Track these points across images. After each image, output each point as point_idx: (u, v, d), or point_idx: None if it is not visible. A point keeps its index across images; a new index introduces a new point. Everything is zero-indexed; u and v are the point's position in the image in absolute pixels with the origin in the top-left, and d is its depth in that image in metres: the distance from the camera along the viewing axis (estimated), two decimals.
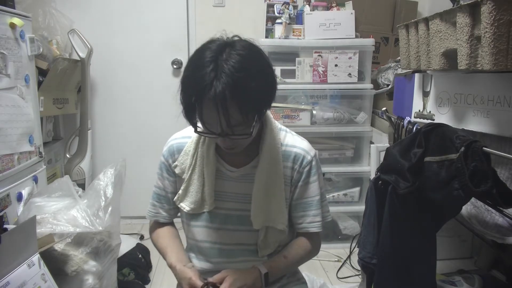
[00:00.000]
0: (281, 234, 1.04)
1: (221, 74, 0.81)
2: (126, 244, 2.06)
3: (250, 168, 1.03)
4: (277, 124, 1.07)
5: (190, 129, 0.97)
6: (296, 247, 1.08)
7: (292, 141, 1.06)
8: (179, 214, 1.14)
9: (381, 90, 2.29)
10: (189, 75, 0.86)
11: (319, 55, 2.31)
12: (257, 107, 0.88)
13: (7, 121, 1.61)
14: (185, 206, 1.05)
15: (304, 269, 1.20)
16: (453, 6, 1.22)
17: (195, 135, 1.04)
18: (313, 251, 1.10)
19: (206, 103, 0.83)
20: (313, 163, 1.05)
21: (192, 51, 0.99)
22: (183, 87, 0.88)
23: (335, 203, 2.44)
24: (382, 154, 1.45)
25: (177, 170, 1.06)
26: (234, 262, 1.06)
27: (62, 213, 1.50)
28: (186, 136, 1.07)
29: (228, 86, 0.81)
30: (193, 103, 0.85)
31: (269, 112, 1.05)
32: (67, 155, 2.48)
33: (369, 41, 2.32)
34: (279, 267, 1.04)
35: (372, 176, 1.47)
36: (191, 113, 0.88)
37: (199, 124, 0.90)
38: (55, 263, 1.38)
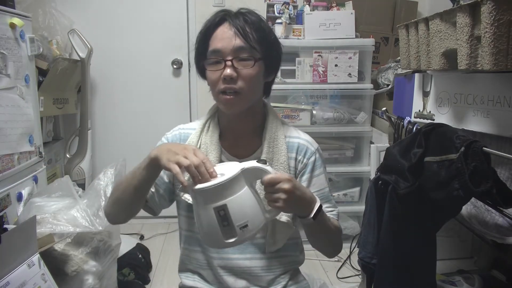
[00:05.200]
0: (288, 229, 1.02)
1: (233, 14, 0.97)
2: (126, 244, 2.06)
3: (253, 159, 1.02)
4: (280, 118, 1.09)
5: (195, 122, 1.08)
6: (331, 218, 1.03)
7: (296, 133, 1.08)
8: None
9: (381, 90, 2.29)
10: (203, 25, 0.99)
11: (319, 55, 2.31)
12: (265, 43, 0.97)
13: (7, 121, 1.61)
14: (189, 198, 1.02)
15: (304, 269, 1.19)
16: (453, 6, 1.22)
17: (198, 127, 1.05)
18: (340, 232, 1.05)
19: (221, 27, 0.95)
20: (317, 155, 1.05)
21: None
22: (198, 35, 1.00)
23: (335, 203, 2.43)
24: (382, 154, 1.45)
25: None
26: (244, 259, 1.04)
27: (62, 213, 1.50)
28: (192, 127, 1.07)
29: (244, 17, 0.96)
30: (208, 34, 0.96)
31: (271, 106, 1.09)
32: (67, 155, 2.48)
33: (369, 41, 2.32)
34: (323, 216, 0.95)
35: (372, 176, 1.47)
36: (203, 50, 0.97)
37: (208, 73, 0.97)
38: (55, 263, 1.38)
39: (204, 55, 0.98)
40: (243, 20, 0.95)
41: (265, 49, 0.97)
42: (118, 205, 1.00)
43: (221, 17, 0.96)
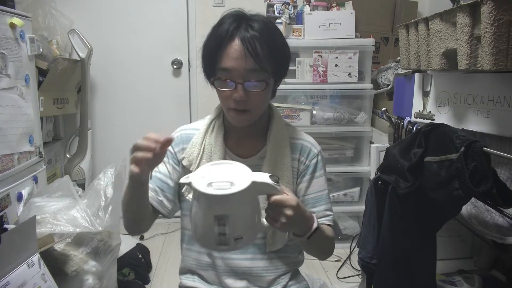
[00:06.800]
0: None
1: (243, 26, 0.91)
2: (126, 244, 2.06)
3: (257, 159, 1.03)
4: (285, 120, 1.10)
5: (198, 123, 1.08)
6: (326, 227, 1.02)
7: (299, 135, 1.08)
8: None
9: (381, 90, 2.29)
10: (211, 34, 0.95)
11: (319, 55, 2.31)
12: (276, 60, 0.94)
13: (7, 121, 1.61)
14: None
15: (304, 269, 1.19)
16: (453, 6, 1.22)
17: (203, 127, 1.05)
18: (334, 240, 1.05)
19: (232, 43, 0.90)
20: (319, 157, 1.06)
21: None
22: (205, 45, 0.96)
23: (335, 203, 2.43)
24: (382, 154, 1.45)
25: (184, 162, 1.04)
26: (245, 259, 1.05)
27: (62, 213, 1.50)
28: (195, 128, 1.08)
29: (253, 29, 0.91)
30: (218, 48, 0.91)
31: (276, 108, 1.09)
32: (67, 155, 2.48)
33: (369, 41, 2.32)
34: (320, 230, 0.94)
35: (372, 176, 1.47)
36: (212, 65, 0.94)
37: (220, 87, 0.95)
38: (55, 263, 1.38)
39: (213, 69, 0.95)
40: (254, 35, 0.90)
41: (276, 66, 0.95)
42: (126, 218, 1.00)
43: (231, 33, 0.91)
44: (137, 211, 0.98)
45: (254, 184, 0.77)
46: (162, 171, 1.06)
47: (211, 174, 0.79)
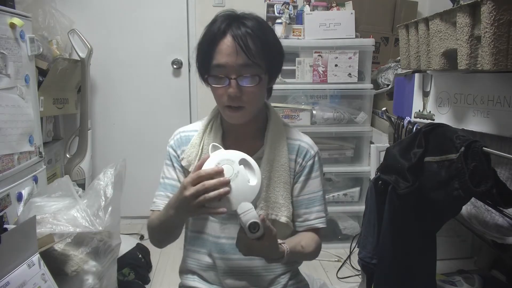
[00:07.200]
0: (286, 229, 1.03)
1: (235, 23, 0.93)
2: (126, 244, 2.06)
3: (255, 159, 1.02)
4: (282, 120, 1.10)
5: (196, 124, 1.10)
6: (310, 240, 1.04)
7: (297, 135, 1.08)
8: None
9: (381, 90, 2.29)
10: (204, 34, 0.97)
11: (319, 55, 2.31)
12: (269, 56, 0.95)
13: (7, 121, 1.61)
14: None
15: (304, 269, 1.19)
16: (453, 6, 1.22)
17: (201, 128, 1.06)
18: (319, 248, 1.07)
19: (224, 40, 0.92)
20: (316, 158, 1.06)
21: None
22: (199, 44, 0.98)
23: (335, 203, 2.44)
24: (382, 154, 1.45)
25: (183, 163, 1.05)
26: (245, 259, 1.02)
27: (62, 213, 1.50)
28: (193, 129, 1.09)
29: (245, 26, 0.93)
30: (211, 46, 0.93)
31: (273, 108, 1.09)
32: (67, 155, 2.48)
33: (369, 41, 2.32)
34: (295, 255, 0.98)
35: (372, 176, 1.47)
36: (206, 63, 0.95)
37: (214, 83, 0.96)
38: (55, 263, 1.38)
39: (207, 67, 0.96)
40: (245, 32, 0.92)
41: (269, 62, 0.96)
42: (160, 238, 1.08)
43: (223, 30, 0.93)
44: (175, 231, 1.03)
45: (236, 213, 0.82)
46: (170, 176, 1.07)
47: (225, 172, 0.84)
